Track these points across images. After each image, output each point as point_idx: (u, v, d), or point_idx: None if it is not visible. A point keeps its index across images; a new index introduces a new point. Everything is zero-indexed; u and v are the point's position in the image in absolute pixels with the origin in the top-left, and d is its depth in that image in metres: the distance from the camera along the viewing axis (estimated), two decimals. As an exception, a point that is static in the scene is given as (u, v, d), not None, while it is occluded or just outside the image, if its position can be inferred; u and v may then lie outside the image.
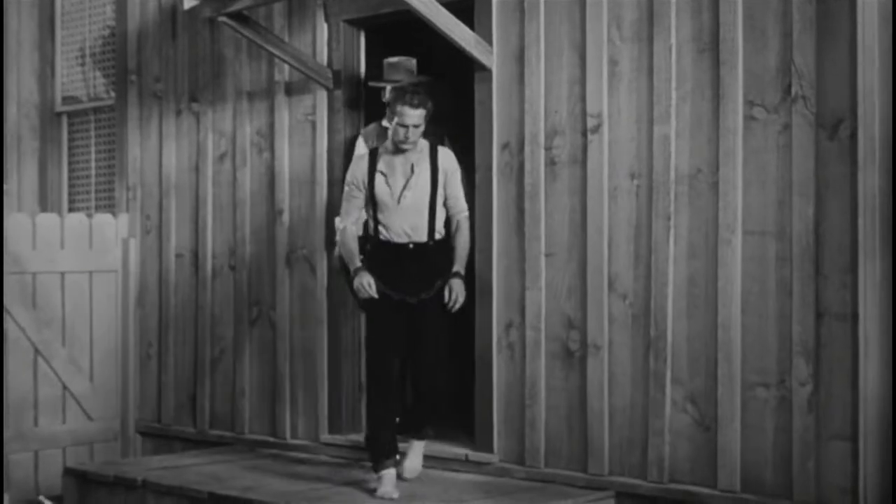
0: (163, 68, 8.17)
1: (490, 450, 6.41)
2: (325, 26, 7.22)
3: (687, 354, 5.74)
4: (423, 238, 5.99)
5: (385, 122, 6.56)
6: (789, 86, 5.45)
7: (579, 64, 6.11)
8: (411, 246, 5.99)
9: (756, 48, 5.55)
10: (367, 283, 5.94)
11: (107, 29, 8.86)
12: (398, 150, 5.99)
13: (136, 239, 8.25)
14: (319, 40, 7.25)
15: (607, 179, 6.01)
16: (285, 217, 7.40)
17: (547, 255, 6.23)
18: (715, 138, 5.67)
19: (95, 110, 8.95)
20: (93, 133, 8.99)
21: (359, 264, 6.00)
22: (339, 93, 7.15)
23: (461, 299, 5.95)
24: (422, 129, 5.91)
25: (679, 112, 5.77)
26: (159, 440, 8.11)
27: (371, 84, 7.05)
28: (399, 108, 5.84)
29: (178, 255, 8.02)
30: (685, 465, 5.71)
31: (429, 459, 6.51)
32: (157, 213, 8.15)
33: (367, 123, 7.19)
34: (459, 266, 5.99)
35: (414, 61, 6.79)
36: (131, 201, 8.29)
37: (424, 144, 6.03)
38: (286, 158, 7.41)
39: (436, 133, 6.49)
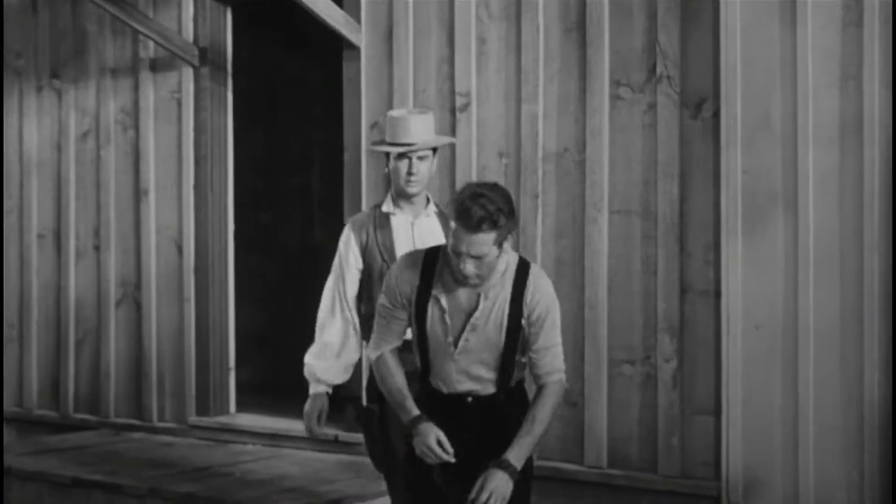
0: (23, 43, 7.96)
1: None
2: (191, 2, 7.11)
3: (555, 332, 5.79)
4: (490, 390, 4.07)
5: (385, 206, 4.80)
6: (654, 66, 5.52)
7: (448, 42, 6.11)
8: (470, 399, 4.08)
9: (622, 28, 5.60)
10: (436, 442, 3.97)
11: (-36, 3, 8.62)
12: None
13: (-3, 219, 8.06)
14: (185, 16, 7.13)
15: (476, 158, 6.02)
16: (151, 196, 7.27)
17: (416, 234, 6.22)
18: (582, 117, 5.72)
19: (-47, 87, 8.72)
20: (-50, 110, 8.75)
21: (416, 411, 4.05)
22: (205, 70, 7.05)
23: (493, 503, 3.89)
24: (495, 257, 3.91)
25: (546, 91, 5.81)
26: (21, 425, 7.93)
27: (372, 148, 5.47)
28: (454, 227, 3.88)
29: (40, 236, 7.84)
30: (554, 443, 5.76)
31: (296, 440, 6.47)
32: (17, 193, 7.95)
33: (236, 102, 7.09)
34: (515, 452, 3.93)
35: (430, 116, 4.86)
36: (-9, 180, 8.09)
37: (507, 260, 4.00)
38: (151, 137, 7.28)
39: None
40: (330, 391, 4.76)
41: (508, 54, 5.91)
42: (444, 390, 4.07)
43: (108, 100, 7.49)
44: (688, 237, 5.45)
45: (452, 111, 6.07)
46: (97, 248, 7.53)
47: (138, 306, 7.34)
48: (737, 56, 5.27)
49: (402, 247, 4.67)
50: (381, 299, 4.11)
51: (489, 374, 4.04)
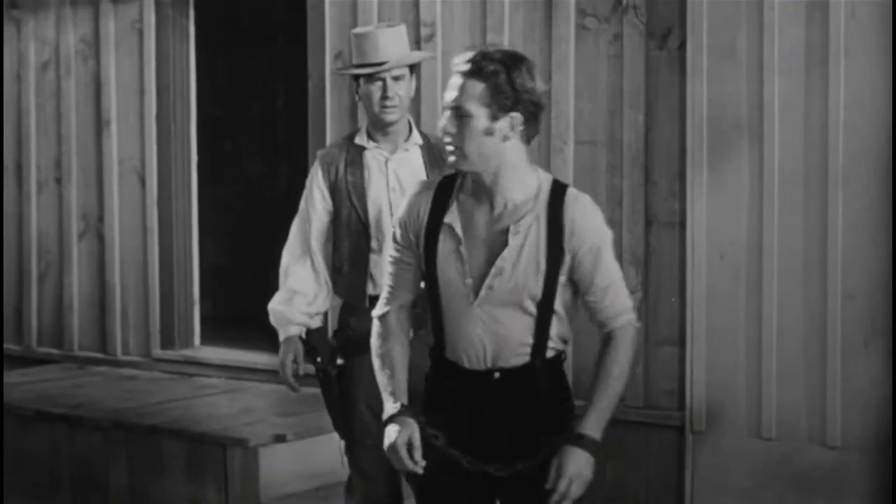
0: (-20, -28, 7.83)
1: (325, 362, 6.40)
2: (152, -70, 7.00)
3: (520, 264, 5.78)
4: (523, 359, 3.22)
5: (359, 137, 4.25)
6: (621, -5, 5.48)
7: (412, -29, 6.05)
8: (497, 375, 3.22)
9: (588, -43, 5.56)
10: (405, 446, 3.19)
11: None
12: (479, 186, 3.19)
13: (-44, 151, 7.96)
14: (145, -56, 7.03)
15: (440, 90, 5.97)
16: (113, 128, 7.19)
17: (381, 166, 6.18)
18: (547, 47, 5.67)
19: None
20: None
21: (396, 405, 3.23)
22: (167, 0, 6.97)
23: (576, 491, 3.13)
24: (481, 132, 3.13)
25: (512, 21, 5.75)
26: (-16, 358, 7.90)
27: (338, 72, 5.34)
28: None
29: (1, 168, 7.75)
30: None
31: (260, 373, 6.47)
32: (-23, 124, 7.86)
33: (199, 32, 7.00)
34: (593, 421, 3.18)
35: (402, 29, 4.29)
36: (-51, 112, 7.98)
37: (538, 181, 3.20)
38: (113, 68, 7.19)
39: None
40: (303, 335, 4.23)
41: (473, -17, 5.86)
42: (465, 363, 3.20)
43: (68, 30, 7.38)
44: (653, 168, 5.44)
45: (417, 42, 6.01)
46: (58, 180, 7.45)
47: (101, 239, 7.28)
48: (703, -15, 5.23)
49: (374, 188, 4.13)
50: (390, 242, 3.33)
51: (522, 335, 3.19)
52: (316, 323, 4.28)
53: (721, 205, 5.22)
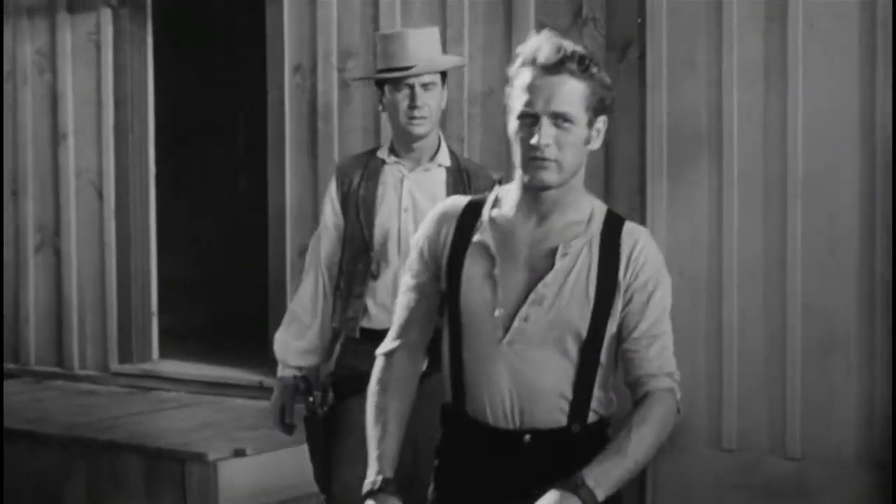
0: (-65, -17, 7.76)
1: (285, 375, 6.36)
2: (109, -59, 6.97)
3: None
4: (558, 419, 2.64)
5: (381, 150, 3.85)
6: (580, 8, 5.49)
7: (372, -17, 6.03)
8: (527, 438, 2.63)
9: (548, -31, 5.57)
10: None
11: None
12: (535, 202, 2.64)
13: (-89, 164, 7.88)
14: (103, -45, 6.99)
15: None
16: (70, 140, 7.14)
17: (340, 178, 6.16)
18: (507, 60, 5.62)
19: None
20: None
21: (378, 478, 2.62)
22: (124, 11, 6.92)
23: None
24: (582, 142, 2.65)
25: (472, 34, 5.75)
26: (-60, 373, 7.82)
27: (360, 78, 4.87)
28: (520, 78, 2.65)
29: (-44, 181, 7.69)
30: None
31: (224, 387, 6.43)
32: (-68, 137, 7.78)
33: (157, 44, 6.96)
34: (598, 474, 2.51)
35: (436, 32, 3.91)
36: None
37: (591, 204, 2.71)
38: (70, 79, 7.14)
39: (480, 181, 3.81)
40: (299, 373, 3.83)
41: (433, -5, 5.86)
42: (489, 419, 2.61)
43: (25, 41, 7.32)
44: (613, 181, 5.44)
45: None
46: (15, 193, 7.38)
47: (57, 252, 7.22)
48: (662, -3, 5.25)
49: (385, 206, 3.71)
50: (404, 271, 2.79)
51: (559, 385, 2.61)
52: (312, 360, 3.87)
53: (681, 218, 5.22)
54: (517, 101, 2.60)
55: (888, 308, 4.84)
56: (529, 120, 2.58)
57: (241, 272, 7.59)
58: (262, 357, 6.68)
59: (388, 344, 2.76)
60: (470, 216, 2.68)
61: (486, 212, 2.67)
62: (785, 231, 5.03)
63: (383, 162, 3.78)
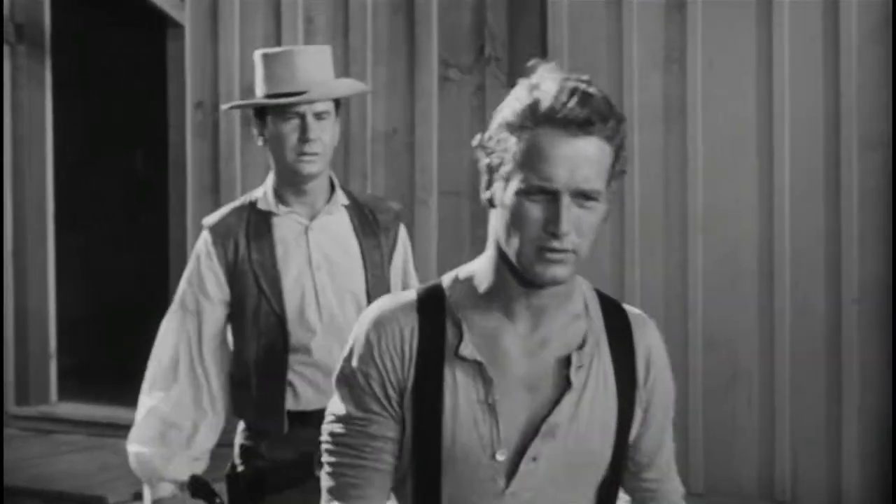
0: None
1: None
2: (6, -24, 6.89)
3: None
4: None
5: (257, 194, 3.23)
6: (482, 47, 5.52)
7: (274, 21, 6.02)
8: None
9: (450, 9, 5.60)
10: None
11: None
12: (528, 292, 2.00)
13: None
14: (0, -9, 6.91)
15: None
16: (-34, 179, 7.04)
17: (243, 216, 6.13)
18: (410, 99, 5.69)
19: None
20: None
21: None
22: (21, 48, 6.85)
23: None
24: (600, 219, 2.05)
25: (375, 72, 5.77)
26: None
27: (237, 105, 4.24)
28: (529, 135, 1.98)
29: None
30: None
31: (124, 429, 6.29)
32: None
33: (55, 81, 6.87)
34: None
35: (327, 50, 3.25)
36: None
37: (577, 288, 2.10)
38: (-34, 116, 7.05)
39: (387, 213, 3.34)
40: (181, 489, 3.13)
41: (336, 34, 5.85)
42: None
43: (-81, 77, 7.21)
44: (516, 218, 5.47)
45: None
46: None
47: (-47, 292, 7.09)
48: (563, 38, 5.30)
49: (292, 268, 3.10)
50: (338, 407, 1.98)
51: None
52: (201, 467, 3.18)
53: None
54: (523, 168, 1.94)
55: (787, 341, 4.92)
56: (542, 197, 1.92)
57: (143, 310, 7.50)
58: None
59: None
60: (432, 317, 1.97)
61: (454, 310, 1.99)
62: (686, 266, 5.09)
63: (271, 214, 3.15)
